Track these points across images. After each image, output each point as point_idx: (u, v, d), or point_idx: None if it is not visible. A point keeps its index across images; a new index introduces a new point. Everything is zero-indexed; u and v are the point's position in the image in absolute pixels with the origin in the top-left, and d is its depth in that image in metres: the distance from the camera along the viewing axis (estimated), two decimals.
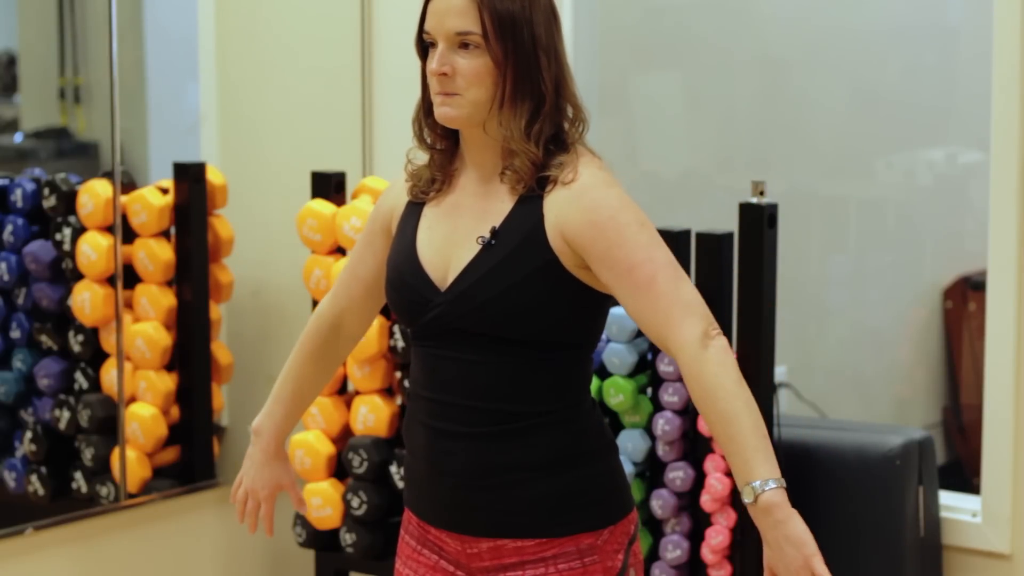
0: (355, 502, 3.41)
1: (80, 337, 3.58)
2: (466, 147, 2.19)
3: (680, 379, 3.08)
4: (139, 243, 3.57)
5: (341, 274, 2.38)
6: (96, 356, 3.59)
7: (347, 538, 3.45)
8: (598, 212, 2.08)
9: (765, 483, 1.98)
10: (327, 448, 3.46)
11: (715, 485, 3.02)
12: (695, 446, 3.09)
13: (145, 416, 3.57)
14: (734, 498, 3.04)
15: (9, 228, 3.59)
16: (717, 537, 3.04)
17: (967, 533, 3.22)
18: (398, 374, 3.44)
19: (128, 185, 3.60)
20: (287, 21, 3.89)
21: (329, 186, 3.49)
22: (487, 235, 2.13)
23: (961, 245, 4.93)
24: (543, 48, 2.12)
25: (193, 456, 3.70)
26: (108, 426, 3.57)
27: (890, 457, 3.14)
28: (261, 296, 3.84)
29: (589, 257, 2.09)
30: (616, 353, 3.09)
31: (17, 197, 3.58)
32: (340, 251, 3.48)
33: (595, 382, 3.09)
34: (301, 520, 3.53)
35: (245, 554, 3.81)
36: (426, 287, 2.16)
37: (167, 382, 3.60)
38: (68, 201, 3.55)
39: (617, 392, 3.09)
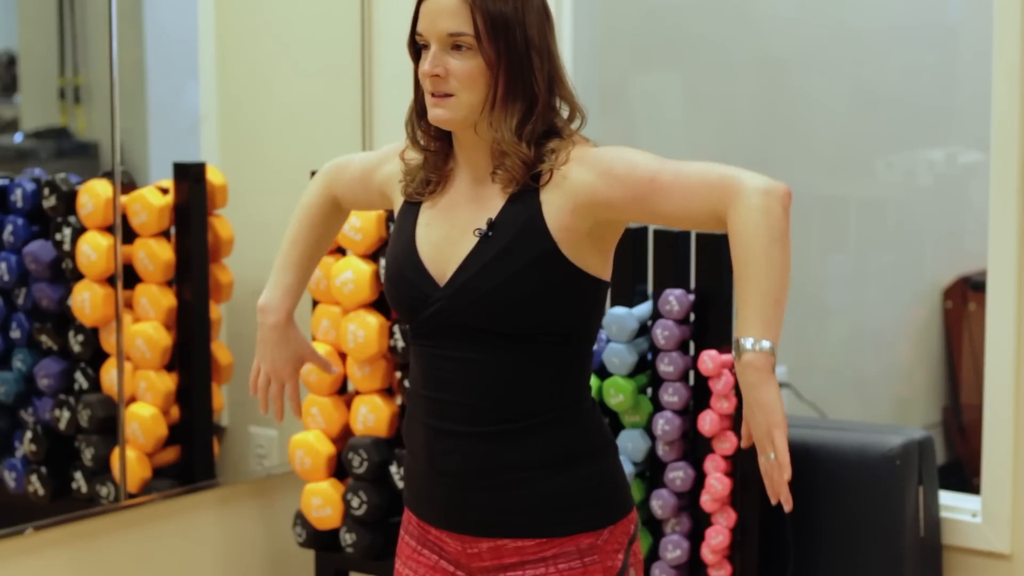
0: (355, 502, 3.41)
1: (80, 337, 3.58)
2: (459, 148, 2.19)
3: (680, 379, 3.08)
4: (139, 243, 3.57)
5: (330, 168, 2.44)
6: (96, 356, 3.59)
7: (347, 538, 3.45)
8: (601, 162, 2.10)
9: (757, 343, 1.98)
10: (327, 448, 3.46)
11: (715, 485, 3.02)
12: (695, 446, 3.09)
13: (145, 416, 3.57)
14: (734, 498, 3.04)
15: (9, 228, 3.59)
16: (717, 537, 3.04)
17: (967, 533, 3.22)
18: (398, 374, 3.44)
19: (128, 185, 3.60)
20: (287, 21, 3.89)
21: None
22: (484, 227, 2.13)
23: (961, 245, 4.93)
24: (536, 49, 2.12)
25: (193, 456, 3.70)
26: (108, 426, 3.57)
27: (890, 457, 3.14)
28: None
29: (616, 205, 2.08)
30: (616, 353, 3.09)
31: (17, 197, 3.58)
32: (340, 251, 3.48)
33: (595, 382, 3.09)
34: (301, 520, 3.53)
35: (245, 554, 3.81)
36: (425, 282, 2.17)
37: (167, 382, 3.60)
38: (68, 201, 3.55)
39: (617, 392, 3.09)
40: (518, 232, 2.11)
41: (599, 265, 2.15)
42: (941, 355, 4.98)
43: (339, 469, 3.49)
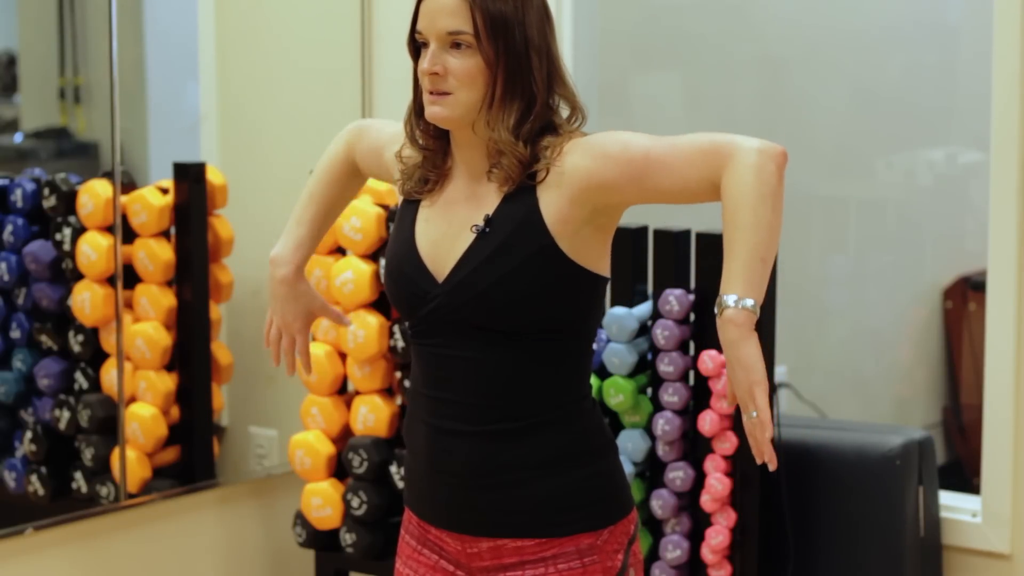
0: (355, 502, 3.41)
1: (80, 337, 3.57)
2: (456, 147, 2.19)
3: (680, 379, 3.08)
4: (139, 243, 3.57)
5: (352, 130, 2.41)
6: (96, 356, 3.59)
7: (347, 538, 3.45)
8: (594, 148, 2.10)
9: (740, 301, 1.97)
10: (327, 448, 3.46)
11: (715, 485, 3.02)
12: (695, 446, 3.10)
13: (145, 416, 3.57)
14: (734, 498, 3.04)
15: (9, 228, 3.59)
16: (717, 537, 3.04)
17: (967, 533, 3.22)
18: (398, 374, 3.44)
19: (128, 185, 3.60)
20: (287, 21, 3.89)
21: None
22: (481, 223, 2.14)
23: (961, 245, 4.93)
24: (535, 48, 2.12)
25: (193, 456, 3.70)
26: (108, 426, 3.57)
27: (890, 457, 3.14)
28: (261, 296, 3.84)
29: (614, 186, 2.08)
30: (616, 353, 3.09)
31: (17, 197, 3.58)
32: (340, 251, 3.48)
33: (595, 382, 3.09)
34: (301, 520, 3.53)
35: (245, 554, 3.81)
36: (424, 279, 2.17)
37: (167, 382, 3.60)
38: (68, 201, 3.55)
39: (617, 392, 3.09)
40: (515, 228, 2.11)
41: (597, 260, 2.15)
42: (941, 355, 4.98)
43: (339, 469, 3.49)
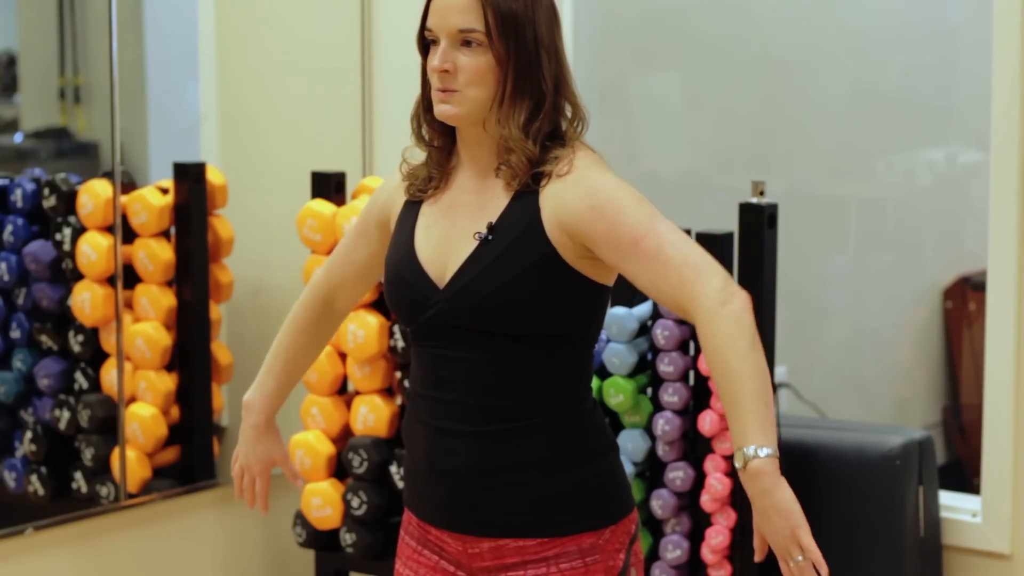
0: (355, 502, 3.41)
1: (80, 337, 3.57)
2: (463, 144, 2.19)
3: (680, 379, 3.08)
4: (139, 243, 3.57)
5: (333, 256, 2.39)
6: (96, 356, 3.59)
7: (347, 538, 3.45)
8: (595, 196, 2.09)
9: (758, 450, 1.97)
10: (327, 448, 3.46)
11: (715, 485, 3.02)
12: (695, 446, 3.09)
13: (145, 416, 3.57)
14: (734, 498, 3.04)
15: (9, 228, 3.59)
16: (717, 537, 3.04)
17: (967, 533, 3.22)
18: (398, 374, 3.44)
19: (128, 185, 3.60)
20: (287, 21, 3.89)
21: (329, 186, 3.49)
22: (484, 231, 2.13)
23: (961, 245, 4.93)
24: (544, 47, 2.13)
25: (193, 456, 3.70)
26: (108, 426, 3.57)
27: (890, 457, 3.14)
28: (261, 296, 3.84)
29: (593, 242, 2.09)
30: (616, 353, 3.09)
31: (17, 197, 3.58)
32: (338, 244, 3.48)
33: (595, 382, 3.09)
34: (301, 520, 3.53)
35: (245, 554, 3.81)
36: (425, 285, 2.16)
37: (167, 382, 3.60)
38: (68, 201, 3.55)
39: (617, 392, 3.09)
40: (518, 236, 2.11)
41: (600, 270, 2.15)
42: (941, 355, 4.98)
43: (339, 469, 3.49)
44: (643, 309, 3.13)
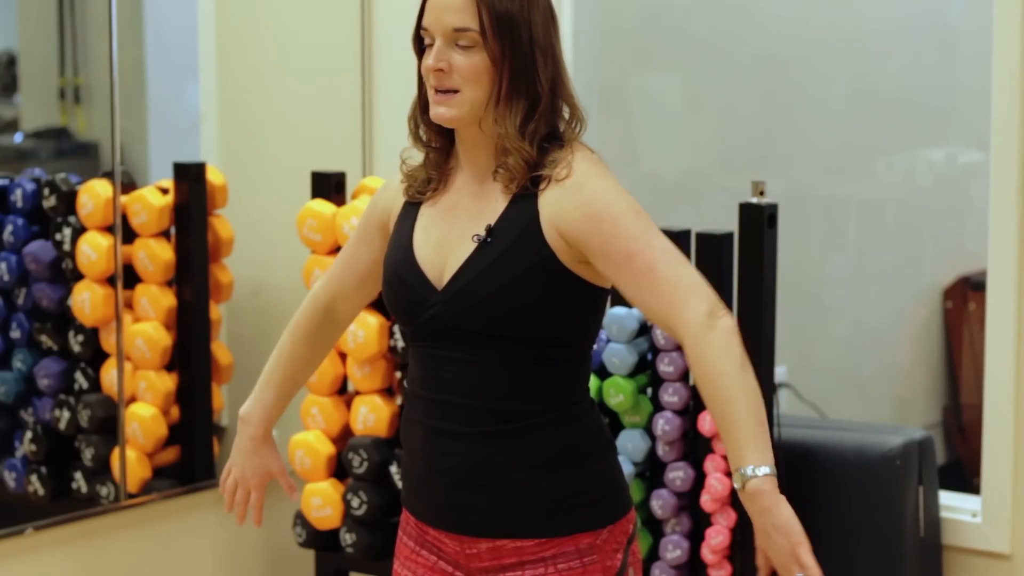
0: (355, 502, 3.41)
1: (80, 337, 3.57)
2: (461, 145, 2.19)
3: (680, 379, 3.08)
4: (139, 243, 3.57)
5: (335, 263, 2.39)
6: (96, 356, 3.59)
7: (347, 538, 3.45)
8: (593, 205, 2.09)
9: (755, 469, 1.98)
10: (327, 448, 3.46)
11: (715, 485, 3.02)
12: (695, 446, 3.09)
13: (145, 416, 3.57)
14: (734, 498, 3.04)
15: (9, 228, 3.59)
16: (717, 537, 3.04)
17: (967, 533, 3.22)
18: (398, 374, 3.44)
19: (128, 185, 3.60)
20: (287, 21, 3.89)
21: (329, 186, 3.49)
22: (483, 233, 2.13)
23: (961, 245, 4.93)
24: (540, 48, 2.12)
25: (193, 456, 3.70)
26: (108, 426, 3.57)
27: (890, 457, 3.14)
28: (261, 296, 3.84)
29: (587, 250, 2.09)
30: (616, 353, 3.09)
31: (17, 197, 3.58)
32: (340, 251, 3.48)
33: (595, 382, 3.09)
34: (301, 520, 3.53)
35: (245, 554, 3.81)
36: (423, 286, 2.16)
37: (167, 382, 3.60)
38: (68, 201, 3.55)
39: (617, 392, 3.09)
40: (516, 238, 2.11)
41: (598, 274, 2.15)
42: (941, 355, 4.98)
43: (339, 469, 3.49)
44: None
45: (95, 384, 3.59)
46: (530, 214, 2.11)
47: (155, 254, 3.56)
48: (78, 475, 3.60)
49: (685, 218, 3.20)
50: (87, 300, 3.51)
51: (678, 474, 3.07)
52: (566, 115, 2.17)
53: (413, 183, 2.23)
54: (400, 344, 3.38)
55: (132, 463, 3.57)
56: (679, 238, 3.10)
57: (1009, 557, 3.16)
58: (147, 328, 3.57)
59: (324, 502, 3.45)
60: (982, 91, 3.21)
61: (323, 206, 3.44)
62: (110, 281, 3.53)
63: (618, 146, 4.53)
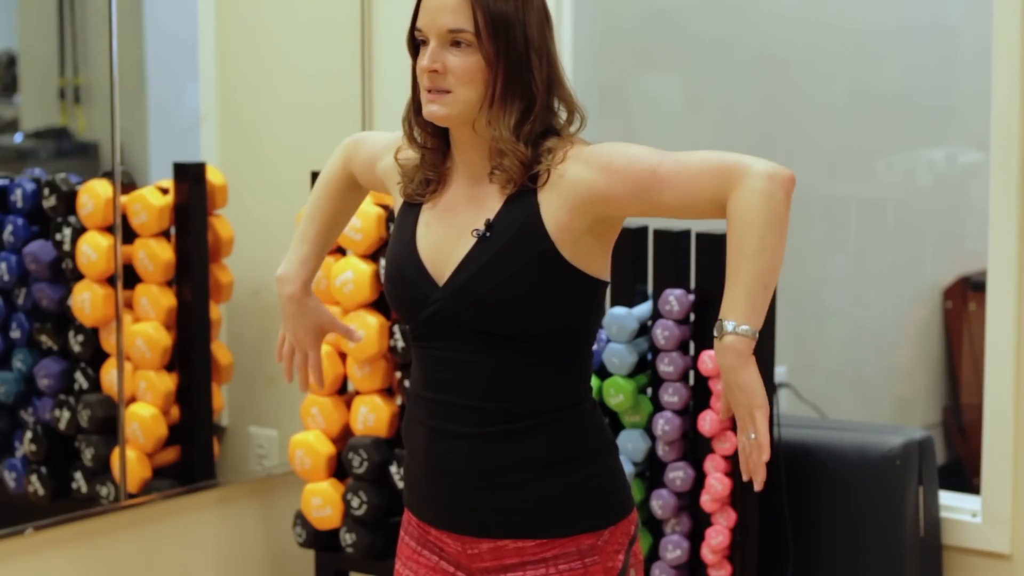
0: (355, 502, 3.41)
1: (80, 337, 3.58)
2: (455, 147, 2.19)
3: (680, 379, 3.08)
4: (139, 243, 3.57)
5: (348, 144, 2.41)
6: (96, 356, 3.59)
7: (347, 538, 3.45)
8: (599, 159, 2.10)
9: (738, 326, 1.99)
10: (327, 448, 3.46)
11: (715, 485, 3.02)
12: (695, 446, 3.10)
13: (145, 416, 3.57)
14: (734, 498, 3.04)
15: (9, 228, 3.59)
16: (717, 537, 3.04)
17: (967, 533, 3.22)
18: (398, 374, 3.44)
19: (128, 185, 3.60)
20: (287, 21, 3.89)
21: None
22: (482, 228, 2.13)
23: (961, 245, 4.93)
24: (535, 49, 2.12)
25: (193, 456, 3.70)
26: (108, 426, 3.57)
27: (890, 457, 3.14)
28: (261, 296, 3.84)
29: (615, 199, 2.08)
30: (616, 353, 3.09)
31: (17, 197, 3.58)
32: (340, 251, 3.48)
33: (595, 382, 3.09)
34: (301, 520, 3.53)
35: (245, 554, 3.81)
36: (425, 282, 2.17)
37: (167, 382, 3.60)
38: (68, 201, 3.55)
39: (617, 392, 3.09)
40: (516, 233, 2.11)
41: (598, 265, 2.15)
42: (941, 355, 4.98)
43: (339, 469, 3.50)
44: (643, 309, 3.13)
45: (95, 384, 3.59)
46: (529, 208, 2.12)
47: (155, 254, 3.56)
48: (78, 475, 3.60)
49: None
50: (87, 300, 3.51)
51: (678, 474, 3.07)
52: (563, 114, 2.17)
53: (409, 183, 2.23)
54: (400, 344, 3.38)
55: (132, 463, 3.57)
56: (679, 238, 3.10)
57: (1009, 557, 3.16)
58: (147, 328, 3.57)
59: (324, 502, 3.46)
60: (982, 91, 3.21)
61: None
62: (110, 281, 3.53)
63: None
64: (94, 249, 3.50)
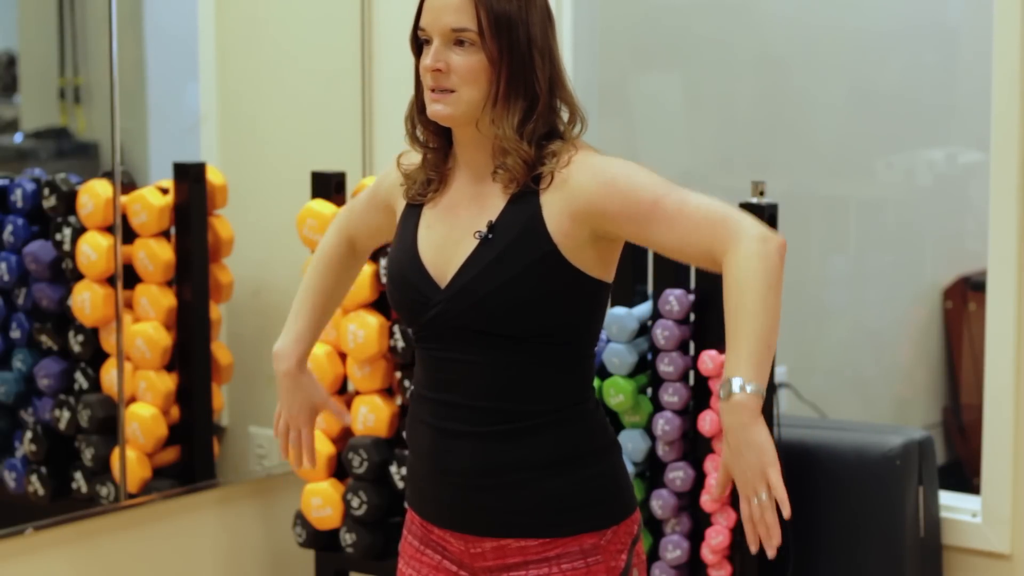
0: (355, 502, 3.41)
1: (80, 337, 3.57)
2: (458, 146, 2.19)
3: (680, 379, 3.08)
4: (139, 243, 3.57)
5: (352, 206, 2.41)
6: (96, 356, 3.59)
7: (347, 538, 3.45)
8: (604, 173, 2.09)
9: (745, 384, 1.97)
10: (327, 448, 3.46)
11: (715, 485, 3.02)
12: (695, 446, 3.09)
13: (145, 416, 3.57)
14: (734, 498, 3.04)
15: (9, 228, 3.59)
16: (717, 537, 3.04)
17: (967, 533, 3.22)
18: (398, 374, 3.44)
19: (128, 185, 3.60)
20: (287, 21, 3.89)
21: (329, 186, 3.49)
22: (484, 230, 2.13)
23: (961, 245, 4.93)
24: (538, 48, 2.13)
25: (193, 456, 3.70)
26: (108, 426, 3.57)
27: (890, 457, 3.14)
28: (261, 296, 3.84)
29: (611, 218, 2.08)
30: (616, 353, 3.09)
31: (17, 197, 3.58)
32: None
33: (595, 382, 3.09)
34: (301, 520, 3.53)
35: (245, 554, 3.81)
36: (427, 285, 2.17)
37: (167, 382, 3.60)
38: (68, 201, 3.55)
39: (617, 392, 3.09)
40: (518, 234, 2.11)
41: (601, 267, 2.15)
42: (941, 355, 4.98)
43: (339, 469, 3.49)
44: (643, 309, 3.13)
45: (95, 384, 3.59)
46: (532, 210, 2.12)
47: (155, 254, 3.56)
48: (78, 475, 3.60)
49: None
50: (87, 300, 3.51)
51: (678, 474, 3.07)
52: (565, 115, 2.17)
53: (412, 185, 2.23)
54: (400, 344, 3.38)
55: (132, 463, 3.57)
56: None
57: (1009, 557, 3.16)
58: (147, 328, 3.57)
59: (324, 502, 3.46)
60: (982, 91, 3.21)
61: (323, 206, 3.44)
62: (110, 281, 3.53)
63: (618, 146, 4.51)
64: (94, 249, 3.50)
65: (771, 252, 2.01)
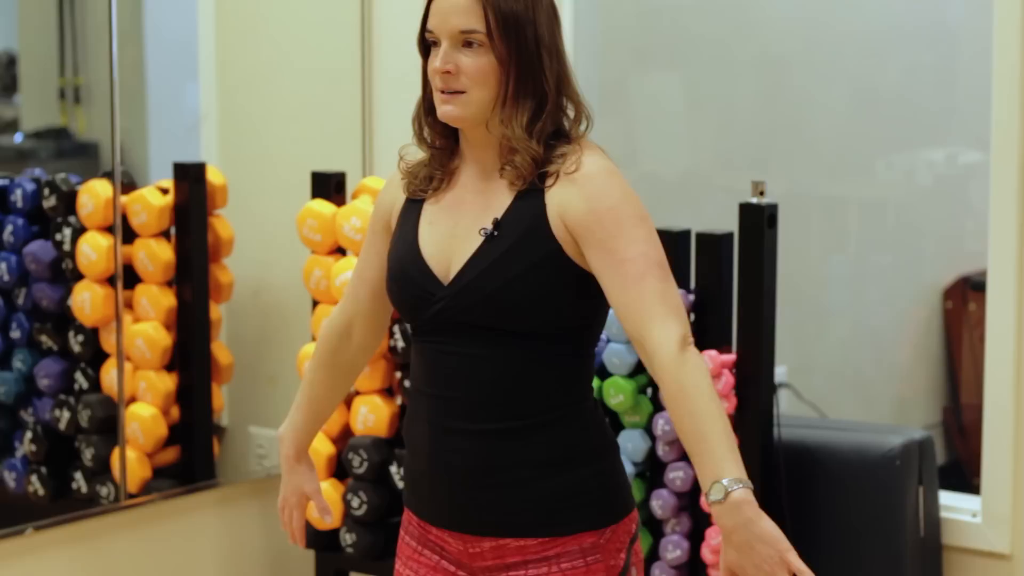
0: (355, 502, 3.41)
1: (80, 337, 3.58)
2: (466, 145, 2.19)
3: None
4: (139, 243, 3.57)
5: (350, 281, 2.38)
6: (96, 356, 3.59)
7: (347, 538, 3.45)
8: (599, 201, 2.09)
9: (735, 482, 1.98)
10: (327, 448, 3.46)
11: None
12: None
13: (145, 416, 3.57)
14: None
15: (9, 228, 3.59)
16: (717, 537, 3.04)
17: (967, 533, 3.22)
18: (398, 374, 3.44)
19: (128, 185, 3.60)
20: (287, 21, 3.90)
21: (329, 186, 3.49)
22: (489, 227, 2.14)
23: (961, 245, 4.93)
24: (546, 47, 2.13)
25: (193, 456, 3.70)
26: (108, 426, 3.57)
27: (890, 457, 3.14)
28: (261, 296, 3.84)
29: (585, 243, 2.10)
30: (616, 353, 3.09)
31: (17, 197, 3.58)
32: (340, 251, 3.48)
33: (595, 382, 3.09)
34: None
35: (245, 554, 3.81)
36: (429, 281, 2.17)
37: (167, 382, 3.60)
38: (68, 201, 3.56)
39: (617, 392, 3.09)
40: (523, 232, 2.12)
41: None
42: (941, 355, 4.98)
43: (339, 469, 3.49)
44: None
45: (95, 384, 3.59)
46: (537, 208, 2.12)
47: (155, 254, 3.56)
48: (78, 475, 3.60)
49: (685, 218, 3.20)
50: (87, 300, 3.51)
51: (678, 474, 3.07)
52: (571, 113, 2.17)
53: (413, 180, 2.23)
54: (400, 344, 3.38)
55: (132, 463, 3.57)
56: (679, 238, 3.10)
57: (1009, 557, 3.16)
58: (147, 328, 3.57)
59: None
60: (982, 91, 3.21)
61: (323, 206, 3.44)
62: (110, 281, 3.53)
63: (618, 146, 4.51)
64: (94, 249, 3.50)
65: (700, 359, 2.05)
